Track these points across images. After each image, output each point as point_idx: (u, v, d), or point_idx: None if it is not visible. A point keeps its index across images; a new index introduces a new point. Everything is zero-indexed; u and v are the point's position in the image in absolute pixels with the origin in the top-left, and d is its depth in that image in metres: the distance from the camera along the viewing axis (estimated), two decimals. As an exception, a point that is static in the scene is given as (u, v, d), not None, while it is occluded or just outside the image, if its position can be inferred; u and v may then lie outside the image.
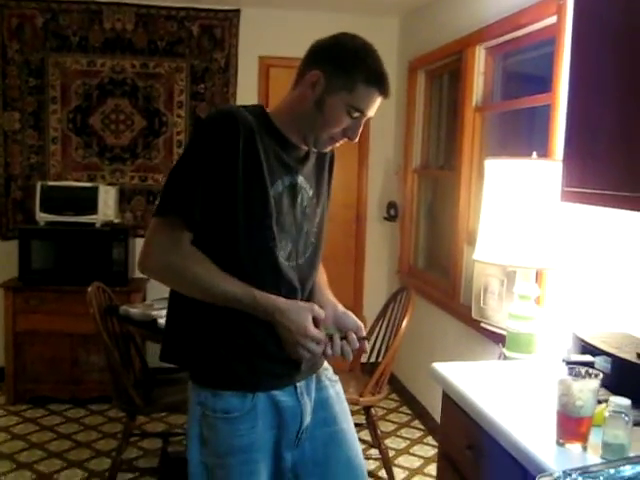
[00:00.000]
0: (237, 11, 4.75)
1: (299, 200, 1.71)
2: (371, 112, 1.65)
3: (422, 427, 4.22)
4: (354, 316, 1.76)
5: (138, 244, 4.42)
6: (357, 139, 1.69)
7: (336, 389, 1.85)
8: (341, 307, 1.79)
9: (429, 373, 2.16)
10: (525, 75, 3.80)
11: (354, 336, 1.70)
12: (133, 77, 4.75)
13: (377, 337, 3.54)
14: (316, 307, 1.67)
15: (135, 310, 3.21)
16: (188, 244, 1.59)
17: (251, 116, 1.61)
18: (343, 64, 1.60)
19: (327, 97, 1.61)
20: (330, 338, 1.67)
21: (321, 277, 1.89)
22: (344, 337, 1.69)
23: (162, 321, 3.02)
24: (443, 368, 2.11)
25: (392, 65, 4.97)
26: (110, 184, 4.65)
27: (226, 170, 1.56)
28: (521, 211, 2.35)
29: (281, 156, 1.66)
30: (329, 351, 1.67)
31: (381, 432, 3.56)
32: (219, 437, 1.63)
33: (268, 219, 1.62)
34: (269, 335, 1.63)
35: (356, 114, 1.63)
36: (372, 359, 3.53)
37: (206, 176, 1.57)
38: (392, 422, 4.31)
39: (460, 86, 3.83)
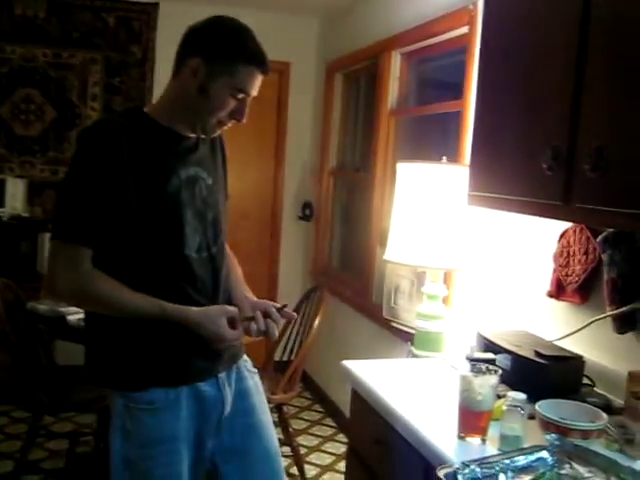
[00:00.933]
0: (156, 5, 4.69)
1: (197, 190, 1.71)
2: (254, 92, 1.68)
3: (333, 425, 4.28)
4: (268, 301, 1.80)
5: (48, 239, 4.29)
6: (245, 119, 1.70)
7: (255, 380, 1.90)
8: (255, 298, 1.83)
9: (340, 369, 2.21)
10: (439, 82, 3.92)
11: (273, 309, 1.73)
12: (45, 66, 4.62)
13: (290, 335, 3.58)
14: (227, 307, 1.69)
15: (43, 306, 3.13)
16: (89, 264, 1.59)
17: (127, 120, 1.64)
18: (222, 48, 1.62)
19: (210, 82, 1.62)
20: (252, 319, 1.70)
21: (237, 271, 1.92)
22: (266, 315, 1.72)
23: (71, 318, 2.96)
24: (352, 365, 2.16)
25: (310, 66, 5.02)
26: (19, 176, 4.50)
27: (112, 180, 1.57)
28: (430, 214, 2.44)
29: (170, 150, 1.67)
30: (254, 327, 1.69)
31: (293, 430, 3.60)
32: (143, 429, 1.64)
33: (169, 218, 1.64)
34: (187, 332, 1.65)
35: (240, 95, 1.66)
36: (284, 357, 3.57)
37: (93, 191, 1.57)
38: (304, 420, 4.35)
39: (376, 90, 3.91)
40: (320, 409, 4.56)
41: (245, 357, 1.90)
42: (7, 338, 3.02)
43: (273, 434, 1.89)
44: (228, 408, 1.78)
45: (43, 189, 4.64)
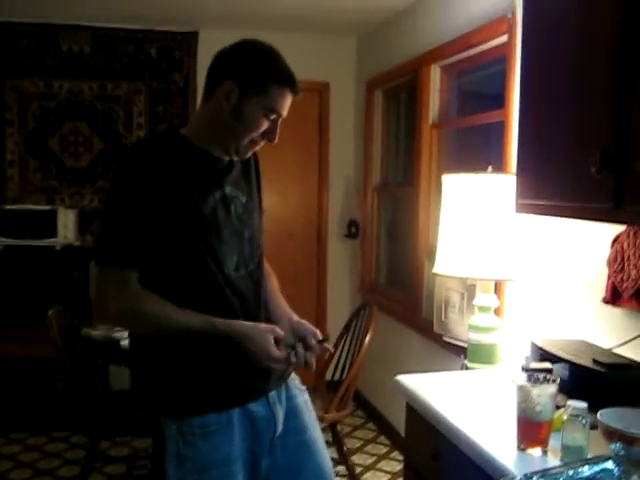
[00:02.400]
0: (195, 33, 4.78)
1: (233, 209, 1.74)
2: (285, 112, 1.71)
3: (388, 442, 4.23)
4: (309, 324, 1.80)
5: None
6: (277, 139, 1.73)
7: (305, 397, 1.90)
8: (295, 316, 1.84)
9: (393, 386, 2.18)
10: (480, 93, 3.89)
11: (313, 341, 1.74)
12: (91, 99, 4.74)
13: (341, 354, 3.56)
14: (277, 328, 1.70)
15: (97, 332, 3.18)
16: (136, 285, 1.61)
17: (165, 142, 1.67)
18: (254, 70, 1.66)
19: (243, 104, 1.65)
20: (292, 348, 1.71)
21: (273, 284, 1.92)
22: (305, 346, 1.73)
23: (124, 343, 3.00)
24: (406, 380, 2.14)
25: (350, 84, 5.04)
26: (70, 207, 4.61)
27: (151, 202, 1.59)
28: (478, 224, 2.41)
29: (205, 172, 1.69)
30: (293, 359, 1.70)
31: (347, 449, 3.58)
32: (197, 452, 1.65)
33: (206, 238, 1.65)
34: (236, 353, 1.65)
35: (273, 116, 1.69)
36: (336, 376, 3.55)
37: (133, 214, 1.59)
38: (358, 438, 4.31)
39: (417, 104, 3.90)
40: (374, 427, 4.51)
41: (293, 375, 1.89)
42: (63, 364, 3.07)
43: (324, 449, 1.88)
44: (280, 427, 1.77)
45: (93, 218, 4.73)
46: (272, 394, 1.77)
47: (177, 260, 1.64)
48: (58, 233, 4.33)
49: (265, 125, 1.69)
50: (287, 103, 1.70)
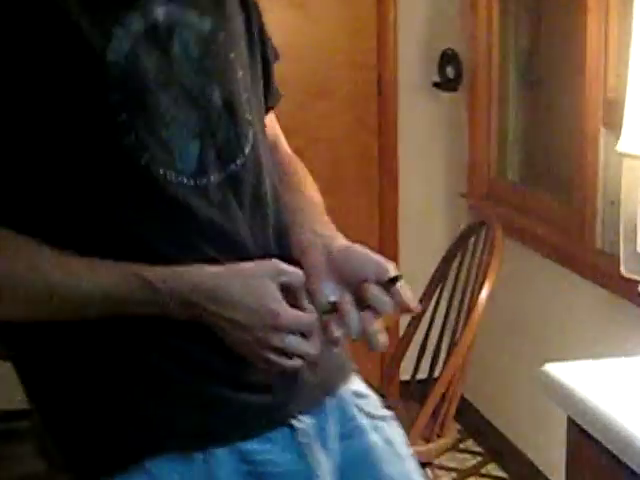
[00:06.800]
0: None
1: (177, 49, 1.64)
2: None
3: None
4: (368, 251, 1.67)
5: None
6: None
7: (386, 433, 1.81)
8: (340, 241, 1.71)
9: (536, 383, 2.21)
10: None
11: (375, 291, 1.60)
12: None
13: (431, 324, 3.60)
14: (281, 265, 1.58)
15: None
16: None
17: None
18: None
19: None
20: (332, 310, 1.63)
21: (293, 178, 1.88)
22: (360, 299, 1.61)
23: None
24: (565, 372, 2.16)
25: None
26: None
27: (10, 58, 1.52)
28: None
29: None
30: (335, 332, 1.59)
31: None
32: None
33: (117, 112, 1.56)
34: (212, 342, 1.58)
35: None
36: (422, 371, 3.60)
37: None
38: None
39: None
40: (476, 449, 4.63)
41: (356, 379, 1.84)
42: None
43: None
44: None
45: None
46: (303, 421, 1.69)
47: (68, 163, 1.54)
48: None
49: None
50: None
